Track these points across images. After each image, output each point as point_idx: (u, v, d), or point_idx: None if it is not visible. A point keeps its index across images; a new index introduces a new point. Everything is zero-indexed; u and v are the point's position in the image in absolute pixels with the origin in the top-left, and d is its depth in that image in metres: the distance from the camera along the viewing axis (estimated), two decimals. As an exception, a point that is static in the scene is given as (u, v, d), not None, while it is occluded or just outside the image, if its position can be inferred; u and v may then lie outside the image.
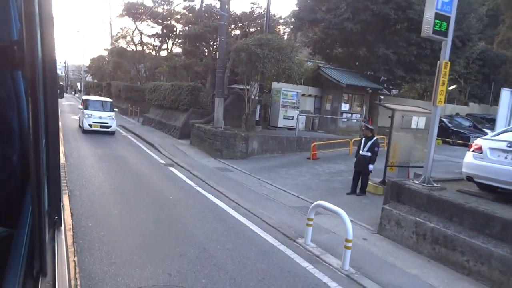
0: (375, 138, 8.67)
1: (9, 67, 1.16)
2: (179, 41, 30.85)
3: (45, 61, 0.95)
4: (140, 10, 29.73)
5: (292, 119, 16.62)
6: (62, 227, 1.35)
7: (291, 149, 13.86)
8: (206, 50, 19.78)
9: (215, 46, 18.52)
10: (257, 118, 15.10)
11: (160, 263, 4.50)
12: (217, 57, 13.84)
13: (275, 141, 13.45)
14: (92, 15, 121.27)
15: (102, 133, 15.71)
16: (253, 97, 13.62)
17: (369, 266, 5.11)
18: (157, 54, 32.95)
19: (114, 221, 5.97)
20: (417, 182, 6.35)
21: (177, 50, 32.63)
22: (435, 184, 6.19)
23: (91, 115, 15.56)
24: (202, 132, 13.86)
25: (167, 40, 31.66)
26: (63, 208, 1.85)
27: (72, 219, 5.58)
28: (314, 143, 12.94)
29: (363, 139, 8.82)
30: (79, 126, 16.88)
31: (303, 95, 17.43)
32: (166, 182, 9.02)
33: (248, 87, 13.58)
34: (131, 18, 30.89)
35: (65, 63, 65.00)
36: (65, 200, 6.41)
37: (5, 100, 1.22)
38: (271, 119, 16.74)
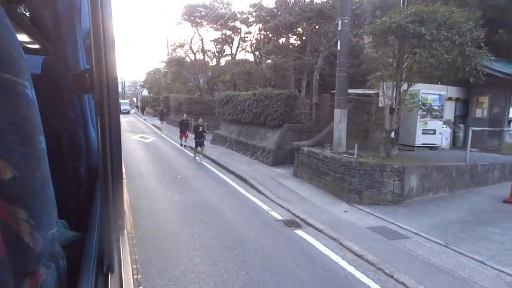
0: None
1: (81, 92, 1.27)
2: (245, 44, 27.18)
3: (109, 84, 0.95)
4: (201, 13, 26.46)
5: (434, 133, 11.59)
6: (125, 231, 1.37)
7: (462, 183, 8.84)
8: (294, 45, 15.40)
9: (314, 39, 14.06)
10: (392, 135, 10.28)
11: None
12: (338, 48, 9.27)
13: (440, 173, 8.51)
14: (147, 27, 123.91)
15: (169, 155, 11.82)
16: (397, 105, 8.86)
17: None
18: (218, 62, 29.54)
19: None
20: None
21: (241, 56, 29.02)
22: None
23: None
24: (318, 161, 9.32)
25: (231, 45, 28.07)
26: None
27: None
28: (516, 177, 7.84)
29: None
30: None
31: (442, 98, 12.22)
32: (320, 281, 4.54)
33: (386, 91, 8.87)
34: (190, 24, 27.77)
35: (121, 79, 64.74)
36: None
37: (75, 120, 1.38)
38: (403, 135, 11.80)
